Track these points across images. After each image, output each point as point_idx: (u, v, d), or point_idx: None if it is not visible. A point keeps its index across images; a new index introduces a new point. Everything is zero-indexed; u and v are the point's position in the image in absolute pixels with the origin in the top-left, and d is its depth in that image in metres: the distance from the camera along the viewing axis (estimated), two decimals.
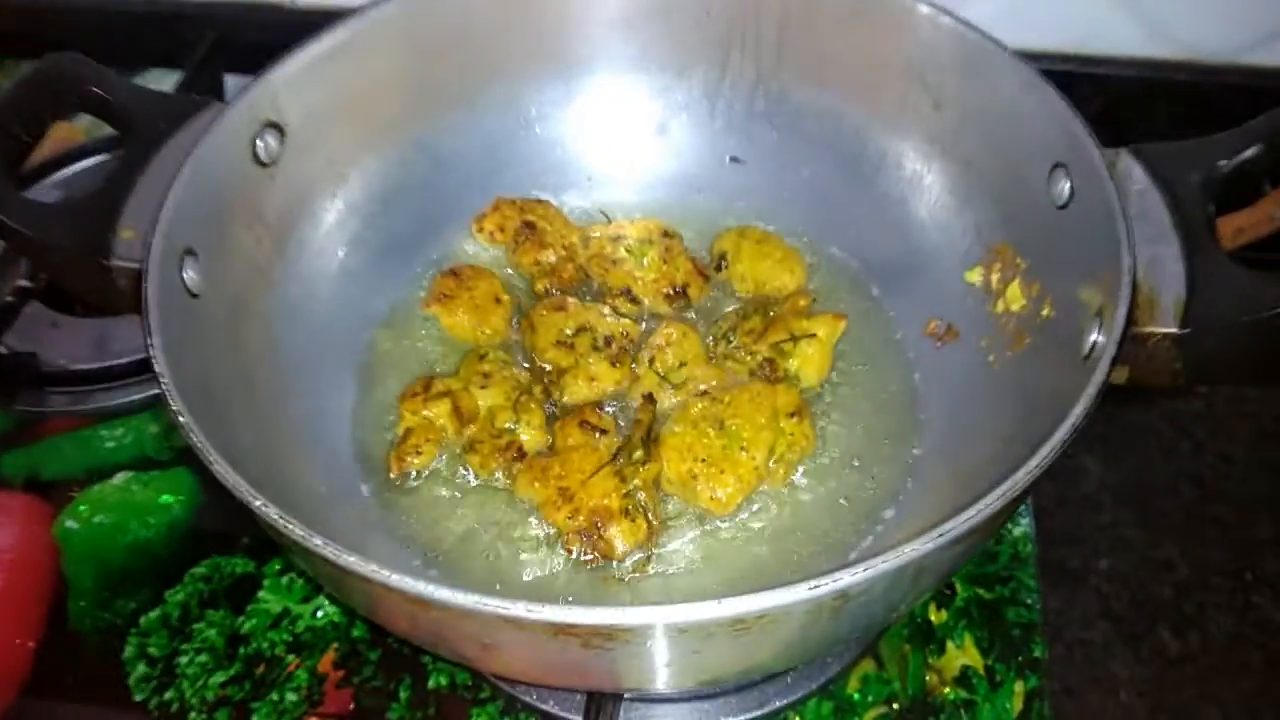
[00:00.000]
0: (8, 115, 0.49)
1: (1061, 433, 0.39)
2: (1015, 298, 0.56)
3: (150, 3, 0.95)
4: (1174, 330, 0.44)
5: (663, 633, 0.35)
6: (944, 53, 0.58)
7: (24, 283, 0.71)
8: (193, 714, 0.56)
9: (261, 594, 0.61)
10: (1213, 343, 0.44)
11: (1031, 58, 0.83)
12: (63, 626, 0.60)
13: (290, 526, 0.37)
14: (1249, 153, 0.48)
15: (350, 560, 0.35)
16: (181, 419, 0.41)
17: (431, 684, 0.57)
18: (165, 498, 0.65)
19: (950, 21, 0.57)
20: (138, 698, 0.57)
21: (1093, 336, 0.46)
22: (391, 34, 0.61)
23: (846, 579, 0.35)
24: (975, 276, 0.59)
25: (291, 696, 0.57)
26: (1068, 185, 0.51)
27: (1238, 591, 0.68)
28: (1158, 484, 0.72)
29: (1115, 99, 0.83)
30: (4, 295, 0.71)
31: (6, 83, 0.97)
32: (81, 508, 0.65)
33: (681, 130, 0.68)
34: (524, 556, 0.52)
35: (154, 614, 0.60)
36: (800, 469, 0.55)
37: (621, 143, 0.68)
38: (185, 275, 0.50)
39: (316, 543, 0.36)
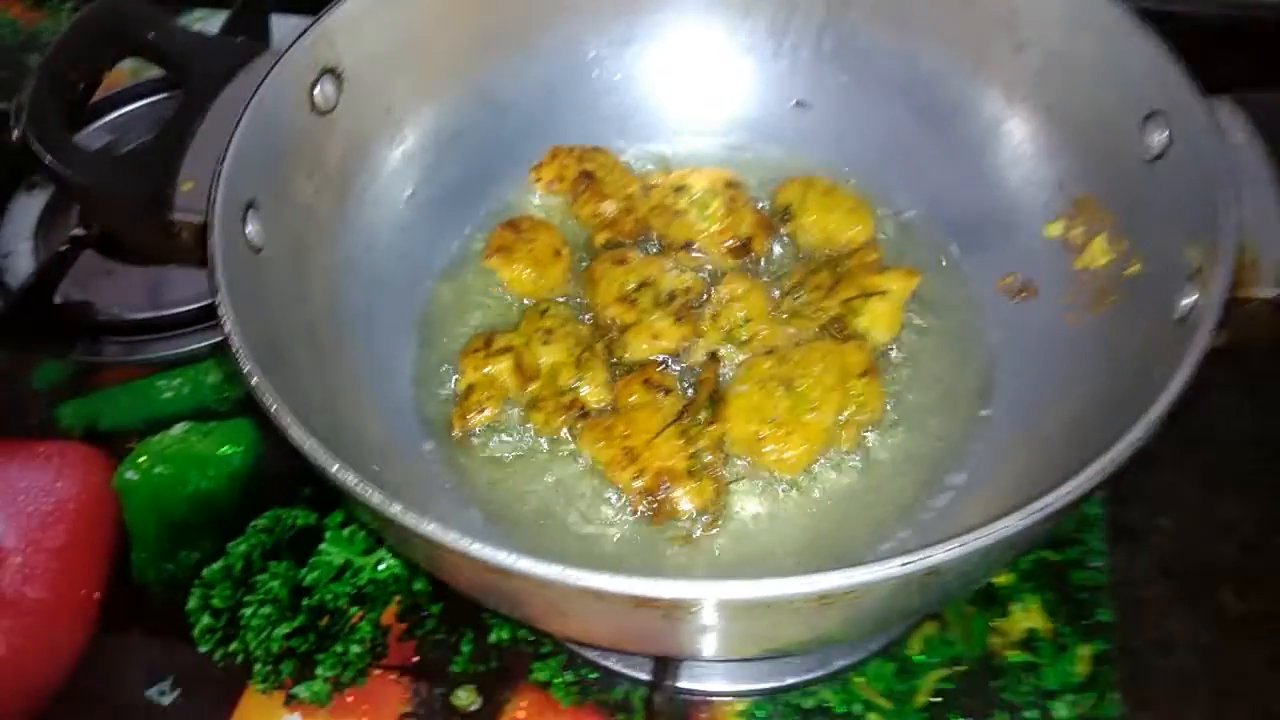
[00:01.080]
0: (61, 62, 0.48)
1: (1163, 403, 0.37)
2: (1100, 254, 0.53)
3: None
4: (1271, 294, 0.41)
5: (745, 607, 0.35)
6: None
7: (78, 231, 0.71)
8: (258, 665, 0.57)
9: (324, 546, 0.61)
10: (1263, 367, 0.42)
11: None
12: (127, 578, 0.61)
13: (368, 491, 0.36)
14: None
15: (430, 529, 0.35)
16: (254, 380, 0.40)
17: (493, 638, 0.57)
18: (225, 449, 0.65)
19: None
20: (203, 649, 0.58)
21: (1188, 299, 0.44)
22: None
23: (940, 555, 0.34)
24: (1056, 230, 0.56)
25: (356, 649, 0.57)
26: (1164, 135, 0.49)
27: None
28: (1222, 442, 0.70)
29: (1194, 41, 0.80)
30: (57, 244, 0.70)
31: (50, 24, 0.96)
32: (141, 459, 0.65)
33: (747, 73, 0.66)
34: (588, 514, 0.52)
35: (217, 565, 0.61)
36: (870, 429, 0.54)
37: (683, 87, 0.66)
38: (248, 229, 0.49)
39: (395, 510, 0.36)
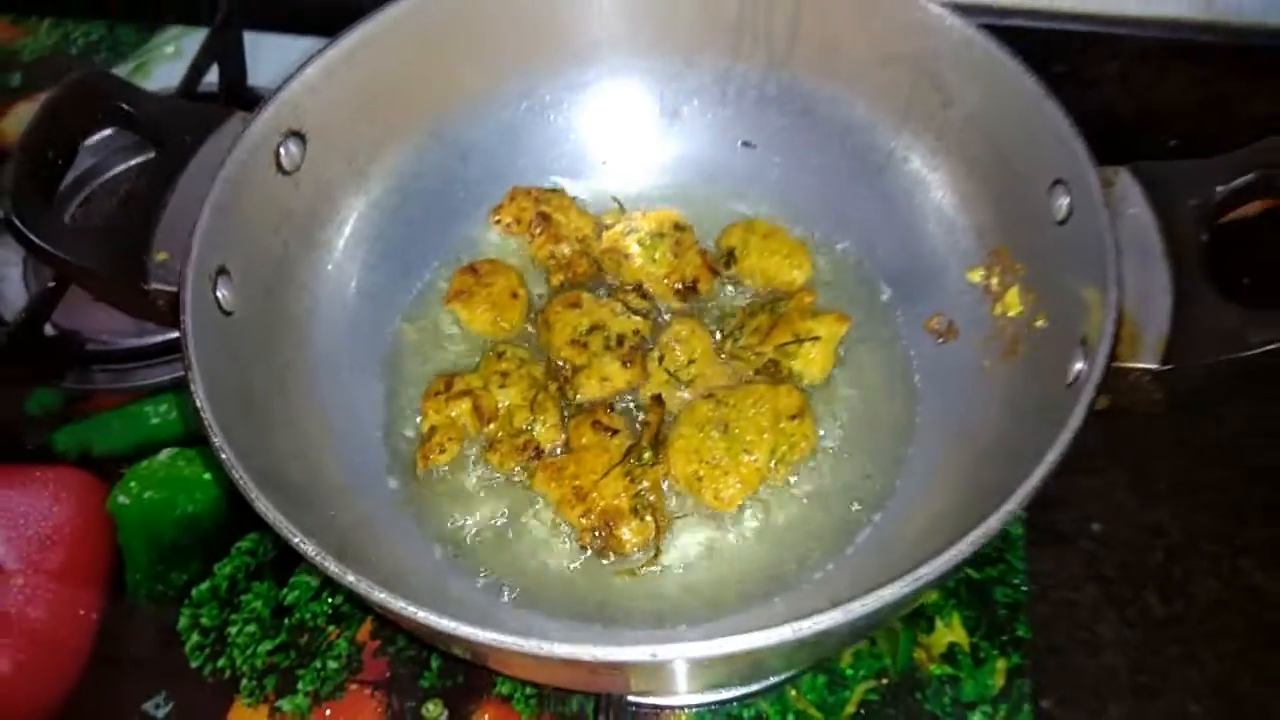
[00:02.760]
0: (38, 141, 0.52)
1: (1035, 478, 0.41)
2: (1014, 303, 0.57)
3: None
4: (1154, 367, 0.46)
5: (652, 664, 0.39)
6: (954, 53, 0.59)
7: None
8: (244, 680, 0.62)
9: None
10: (1193, 377, 0.46)
11: (1052, 17, 0.83)
12: (121, 598, 0.66)
13: (328, 564, 0.41)
14: (1241, 180, 0.49)
15: (380, 595, 0.40)
16: (223, 454, 0.44)
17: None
18: (209, 474, 0.70)
19: (961, 24, 0.57)
20: (194, 664, 0.63)
21: (1077, 365, 0.48)
22: (403, 32, 0.62)
23: (826, 621, 0.38)
24: (976, 276, 0.60)
25: (333, 664, 0.62)
26: (1067, 202, 0.52)
27: (1225, 557, 0.70)
28: (1154, 451, 0.74)
29: (1133, 60, 0.83)
30: (47, 280, 0.74)
31: (29, 41, 0.98)
32: (132, 484, 0.70)
33: (694, 115, 0.69)
34: (541, 548, 0.56)
35: (204, 586, 0.65)
36: (801, 468, 0.58)
37: (635, 129, 0.70)
38: (219, 295, 0.53)
39: (351, 580, 0.40)
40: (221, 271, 0.53)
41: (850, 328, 0.62)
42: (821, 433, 0.59)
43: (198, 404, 0.46)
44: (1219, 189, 0.49)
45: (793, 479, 0.58)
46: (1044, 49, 0.78)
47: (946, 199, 0.63)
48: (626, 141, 0.70)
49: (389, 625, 0.63)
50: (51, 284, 0.73)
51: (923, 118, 0.62)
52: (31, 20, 1.00)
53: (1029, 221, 0.56)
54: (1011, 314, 0.57)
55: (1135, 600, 0.68)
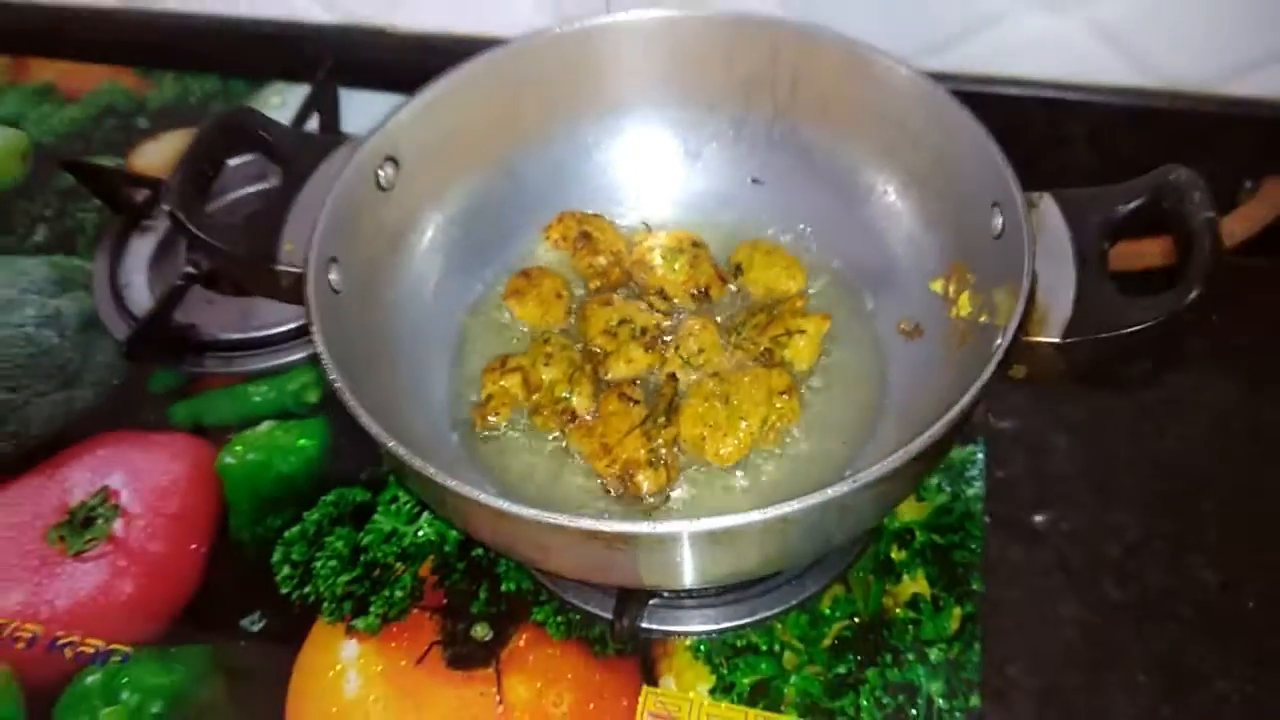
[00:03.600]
0: (199, 155, 0.67)
1: (950, 415, 0.54)
2: (965, 305, 0.70)
3: (280, 26, 1.13)
4: (1055, 340, 0.58)
5: (659, 540, 0.52)
6: (917, 103, 0.73)
7: (189, 270, 0.90)
8: (325, 604, 0.75)
9: (376, 516, 0.79)
10: (1087, 350, 0.58)
11: (1024, 84, 0.97)
12: (225, 537, 0.79)
13: (414, 460, 0.54)
14: (1136, 203, 0.62)
15: (452, 484, 0.53)
16: (337, 384, 0.58)
17: (503, 588, 0.75)
18: (302, 441, 0.84)
19: (921, 79, 0.71)
20: (284, 591, 0.76)
21: (998, 340, 0.61)
22: (481, 83, 0.77)
23: (784, 509, 0.51)
24: (938, 286, 0.73)
25: (399, 593, 0.75)
26: (1001, 221, 0.66)
27: (1177, 553, 0.81)
28: (1118, 461, 0.85)
29: (1102, 125, 0.96)
30: (170, 278, 0.90)
31: (156, 93, 1.16)
32: (237, 447, 0.84)
33: (712, 155, 0.84)
34: (574, 492, 0.69)
35: (295, 529, 0.79)
36: (789, 435, 0.71)
37: (663, 166, 0.84)
38: (330, 277, 0.67)
39: (431, 472, 0.53)
40: (333, 260, 0.67)
41: (833, 326, 0.75)
42: (808, 407, 0.72)
43: (319, 351, 0.60)
44: (1119, 208, 0.62)
45: (783, 442, 0.71)
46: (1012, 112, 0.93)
47: (916, 224, 0.76)
48: (656, 176, 0.84)
49: (451, 557, 0.75)
50: (176, 284, 0.88)
51: (897, 158, 0.76)
52: (156, 74, 1.18)
53: (977, 238, 0.69)
54: (964, 314, 0.70)
55: (1093, 586, 0.78)
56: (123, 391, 0.89)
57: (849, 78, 0.76)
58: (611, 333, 0.75)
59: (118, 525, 0.80)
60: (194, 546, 0.79)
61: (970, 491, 0.78)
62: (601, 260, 0.80)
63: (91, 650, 0.74)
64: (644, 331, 0.75)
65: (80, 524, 0.80)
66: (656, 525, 0.51)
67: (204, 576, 0.78)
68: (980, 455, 0.80)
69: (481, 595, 0.75)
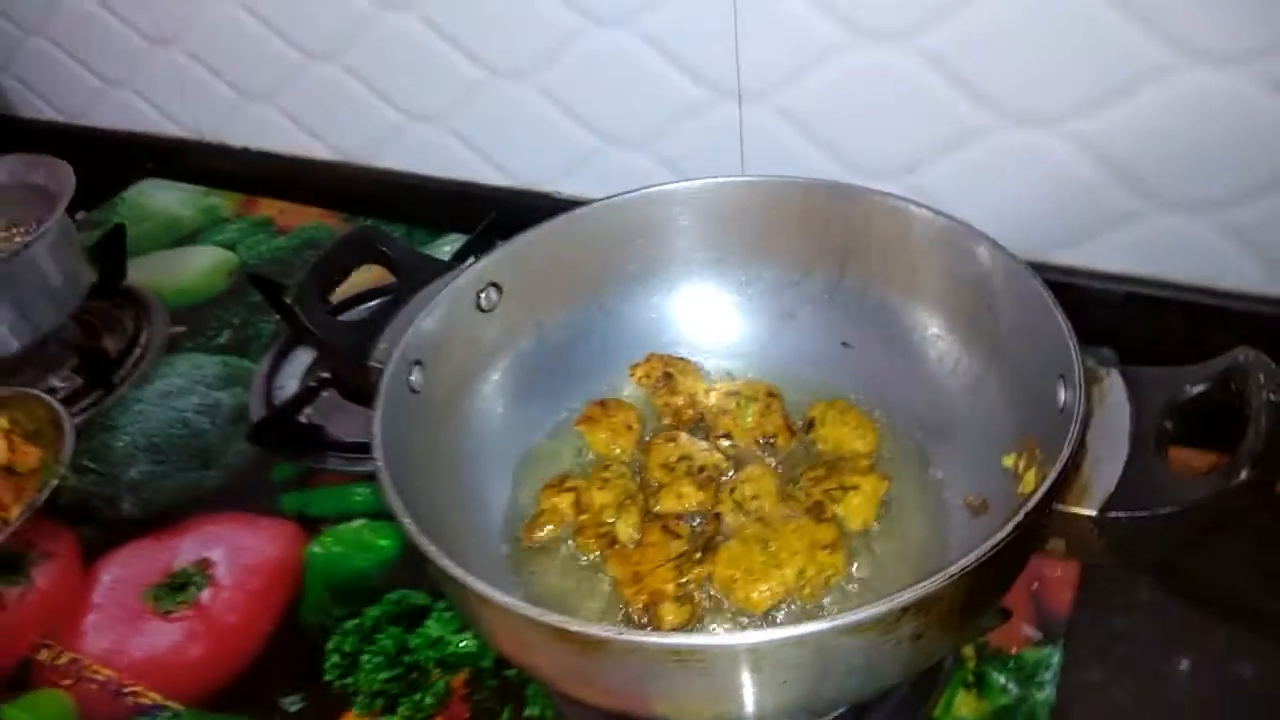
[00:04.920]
0: (328, 263, 0.77)
1: (958, 566, 0.51)
2: (1030, 482, 0.67)
3: (461, 185, 1.28)
4: (1091, 512, 0.54)
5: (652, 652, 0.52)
6: (998, 278, 0.72)
7: (324, 375, 1.00)
8: (360, 696, 0.77)
9: (429, 621, 0.81)
10: (1127, 528, 0.54)
11: (1166, 286, 0.94)
12: (294, 620, 0.84)
13: (428, 546, 0.57)
14: (1204, 386, 0.58)
15: (465, 577, 0.55)
16: (378, 464, 0.62)
17: (527, 712, 0.74)
18: (383, 541, 0.89)
19: (1001, 254, 0.71)
20: (327, 678, 0.79)
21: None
22: (592, 227, 0.83)
23: (752, 639, 0.49)
24: (1010, 462, 0.70)
25: (430, 699, 0.76)
26: (1064, 394, 0.63)
27: None
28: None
29: (1243, 334, 0.91)
30: (310, 381, 1.00)
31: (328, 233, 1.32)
32: (327, 539, 0.90)
33: (805, 316, 0.86)
34: (599, 614, 0.69)
35: (353, 622, 0.82)
36: (829, 592, 0.69)
37: (756, 322, 0.86)
38: (411, 378, 0.73)
39: (445, 564, 0.56)
40: (417, 363, 0.73)
41: (896, 491, 0.73)
42: (854, 567, 0.70)
43: (374, 433, 0.65)
44: (1186, 388, 0.59)
45: (821, 600, 0.68)
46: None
47: (996, 397, 0.74)
48: (748, 330, 0.87)
49: (486, 673, 0.76)
50: (310, 385, 0.98)
51: (981, 331, 0.75)
52: (358, 219, 1.35)
53: (1047, 415, 0.66)
54: (1026, 491, 0.66)
55: None
56: (247, 477, 0.98)
57: (935, 249, 0.77)
58: (670, 467, 0.76)
59: (206, 594, 0.87)
60: (263, 625, 0.84)
61: (1039, 696, 0.71)
62: (678, 400, 0.82)
63: (148, 703, 0.79)
64: (701, 470, 0.75)
65: (176, 587, 0.88)
66: (651, 635, 0.50)
67: (265, 652, 0.82)
68: (1056, 658, 0.73)
69: (504, 716, 0.74)
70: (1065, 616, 0.76)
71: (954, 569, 0.52)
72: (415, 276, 0.80)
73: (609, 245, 0.85)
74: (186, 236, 1.37)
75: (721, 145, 1.08)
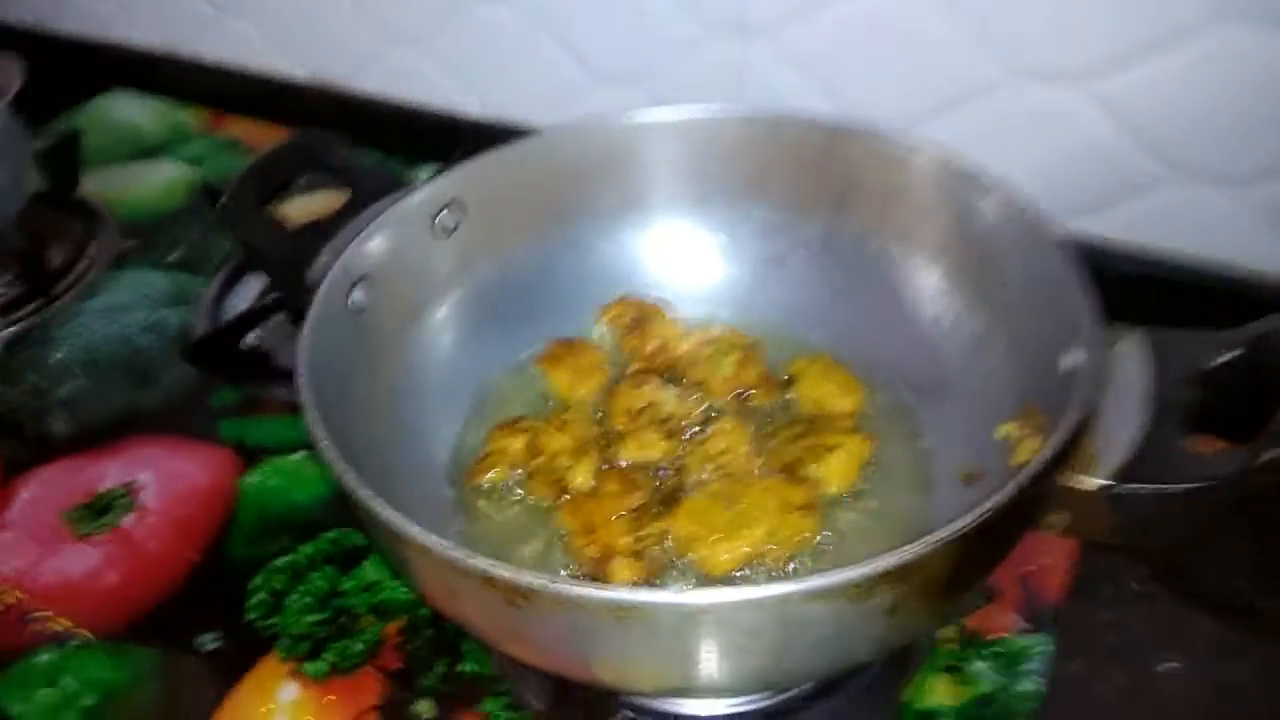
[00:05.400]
0: (267, 165, 0.70)
1: (931, 538, 0.45)
2: (1025, 453, 0.60)
3: (436, 115, 1.20)
4: (1103, 482, 0.48)
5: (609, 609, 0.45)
6: (1009, 228, 0.65)
7: (276, 297, 0.93)
8: (284, 639, 0.71)
9: (365, 564, 0.75)
10: (1142, 507, 0.48)
11: (1185, 262, 0.87)
12: (220, 551, 0.78)
13: (347, 472, 0.50)
14: (1232, 354, 0.52)
15: (384, 512, 0.48)
16: (301, 381, 0.56)
17: (461, 668, 0.68)
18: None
19: (1013, 201, 0.65)
20: (250, 617, 0.72)
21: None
22: (565, 151, 0.76)
23: (704, 598, 0.43)
24: (1009, 429, 0.64)
25: (358, 646, 0.70)
26: (1074, 355, 0.57)
27: None
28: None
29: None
30: (262, 301, 0.93)
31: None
32: (264, 469, 0.83)
33: (796, 264, 0.79)
34: (542, 564, 0.63)
35: (285, 559, 0.76)
36: (798, 558, 0.62)
37: (740, 267, 0.80)
38: (353, 297, 0.66)
39: (363, 494, 0.49)
40: (363, 278, 0.67)
41: (880, 456, 0.67)
42: (826, 532, 0.63)
43: (300, 354, 0.58)
44: (1212, 356, 0.53)
45: (789, 564, 0.62)
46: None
47: (999, 362, 0.67)
48: (731, 276, 0.80)
49: (422, 622, 0.70)
50: (256, 306, 0.91)
51: (986, 292, 0.69)
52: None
53: (1055, 377, 0.60)
54: (1019, 462, 0.60)
55: None
56: (186, 400, 0.91)
57: (945, 196, 0.70)
58: (634, 414, 0.70)
59: (129, 519, 0.80)
60: (187, 554, 0.77)
61: (1020, 688, 0.65)
62: (649, 345, 0.75)
63: (58, 629, 0.72)
64: (668, 419, 0.69)
65: (97, 510, 0.81)
66: (602, 589, 0.44)
67: (186, 585, 0.76)
68: (1045, 648, 0.67)
69: (438, 669, 0.68)
70: (1055, 604, 0.70)
71: (941, 534, 0.45)
72: (367, 190, 0.73)
73: (584, 173, 0.78)
74: (149, 150, 1.29)
75: (719, 85, 1.01)
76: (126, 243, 1.12)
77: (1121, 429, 0.51)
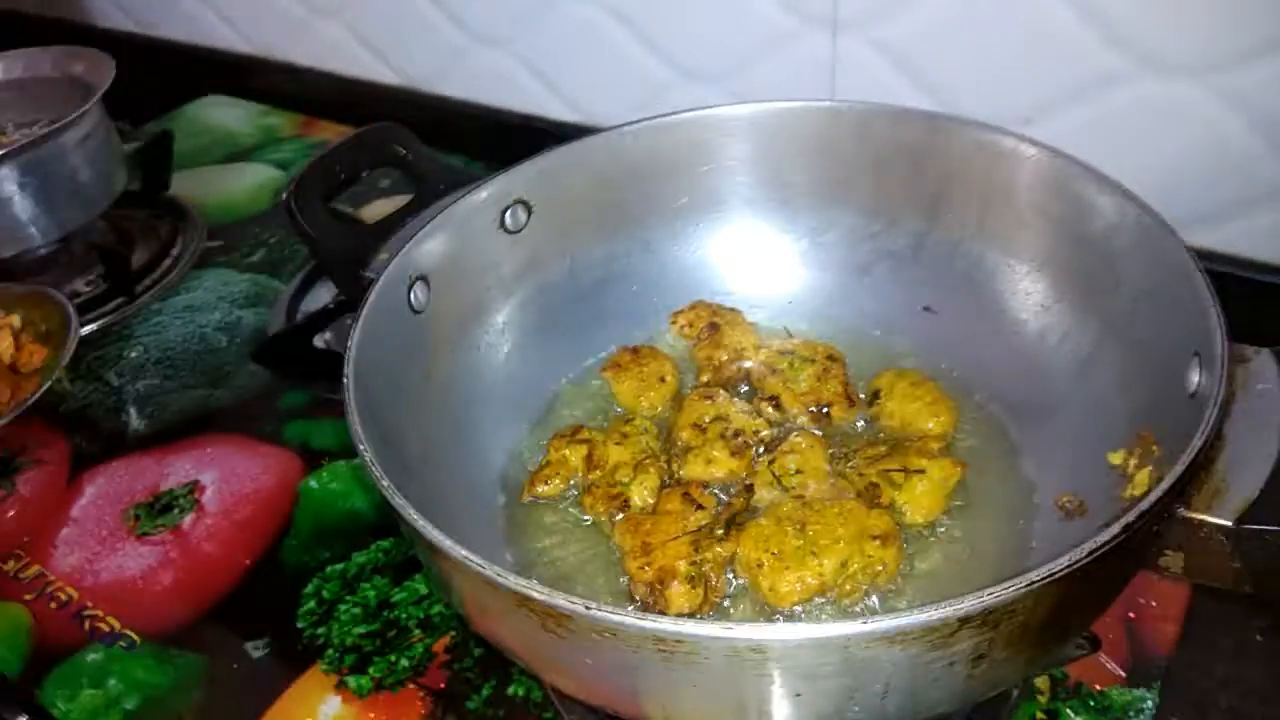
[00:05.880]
0: (333, 156, 0.67)
1: (1040, 571, 0.39)
2: (1141, 485, 0.53)
3: (521, 117, 1.18)
4: (1226, 523, 0.41)
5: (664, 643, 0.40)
6: (1126, 234, 0.59)
7: (343, 298, 0.91)
8: (330, 650, 0.68)
9: (418, 576, 0.72)
10: (1271, 546, 0.41)
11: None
12: (275, 556, 0.75)
13: (384, 480, 0.47)
14: None
15: (420, 522, 0.45)
16: (346, 381, 0.53)
17: (510, 691, 0.64)
18: None
19: (1133, 205, 0.58)
20: (299, 625, 0.70)
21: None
22: (636, 148, 0.72)
23: (758, 634, 0.38)
24: (1117, 458, 0.57)
25: (405, 662, 0.67)
26: (1198, 377, 0.50)
27: None
28: None
29: None
30: (329, 303, 0.91)
31: None
32: (324, 474, 0.81)
33: (883, 274, 0.73)
34: (595, 590, 0.58)
35: (338, 566, 0.74)
36: (874, 593, 0.56)
37: (823, 275, 0.74)
38: (414, 295, 0.63)
39: (400, 502, 0.46)
40: (421, 278, 0.64)
41: (972, 482, 0.60)
42: (909, 567, 0.57)
43: (348, 350, 0.56)
44: None
45: (863, 600, 0.56)
46: None
47: (1109, 381, 0.60)
48: (813, 284, 0.74)
49: (472, 639, 0.66)
50: (327, 306, 0.89)
51: (1097, 299, 0.62)
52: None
53: (1172, 400, 0.53)
54: (1136, 494, 0.53)
55: None
56: (255, 401, 0.90)
57: (1051, 197, 0.64)
58: (702, 428, 0.65)
59: (189, 519, 0.79)
60: (242, 558, 0.76)
61: None
62: (722, 355, 0.70)
63: (106, 629, 0.71)
64: (738, 434, 0.64)
65: (159, 509, 0.80)
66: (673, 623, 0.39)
67: (239, 588, 0.74)
68: (1150, 703, 0.60)
69: (484, 691, 0.64)
70: (1164, 655, 0.62)
71: (1037, 574, 0.39)
72: (436, 185, 0.70)
73: (657, 172, 0.74)
74: (241, 153, 1.31)
75: (810, 82, 0.96)
76: (211, 243, 1.12)
77: (1253, 462, 0.44)
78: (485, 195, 0.68)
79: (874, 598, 0.57)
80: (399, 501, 0.47)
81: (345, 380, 0.54)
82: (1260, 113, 0.75)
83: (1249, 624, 0.64)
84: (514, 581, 0.41)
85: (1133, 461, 0.56)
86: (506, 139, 1.20)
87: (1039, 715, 0.60)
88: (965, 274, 0.70)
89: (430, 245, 0.65)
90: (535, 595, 0.41)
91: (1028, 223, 0.66)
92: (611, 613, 0.40)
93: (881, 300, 0.73)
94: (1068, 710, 0.60)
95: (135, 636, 0.71)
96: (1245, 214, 0.80)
